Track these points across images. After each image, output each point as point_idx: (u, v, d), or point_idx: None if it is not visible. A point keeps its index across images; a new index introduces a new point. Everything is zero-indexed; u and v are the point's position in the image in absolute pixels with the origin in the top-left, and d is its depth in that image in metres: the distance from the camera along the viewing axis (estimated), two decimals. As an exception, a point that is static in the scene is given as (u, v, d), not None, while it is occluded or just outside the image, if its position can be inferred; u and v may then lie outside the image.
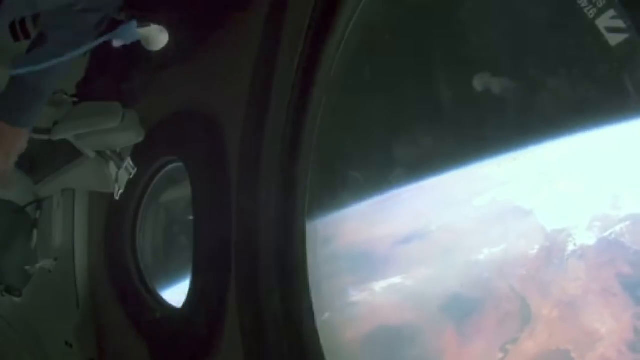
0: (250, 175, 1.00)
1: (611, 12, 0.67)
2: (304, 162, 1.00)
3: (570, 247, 0.83)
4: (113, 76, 1.35)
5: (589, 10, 0.68)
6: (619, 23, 0.66)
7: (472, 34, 0.87)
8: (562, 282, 0.85)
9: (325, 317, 1.01)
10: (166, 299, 1.48)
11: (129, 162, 1.18)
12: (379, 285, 0.99)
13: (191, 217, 1.31)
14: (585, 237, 0.82)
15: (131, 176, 1.21)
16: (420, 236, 0.96)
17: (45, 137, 1.13)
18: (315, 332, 1.00)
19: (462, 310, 0.92)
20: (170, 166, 1.47)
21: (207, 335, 1.23)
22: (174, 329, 1.35)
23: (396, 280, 0.98)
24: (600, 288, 0.81)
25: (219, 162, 1.15)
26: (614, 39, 0.67)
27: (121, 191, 1.21)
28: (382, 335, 0.98)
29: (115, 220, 1.56)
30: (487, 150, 0.85)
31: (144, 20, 0.98)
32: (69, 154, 1.19)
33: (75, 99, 1.20)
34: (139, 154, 1.24)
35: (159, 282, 1.53)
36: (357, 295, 1.00)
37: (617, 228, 0.78)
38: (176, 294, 1.41)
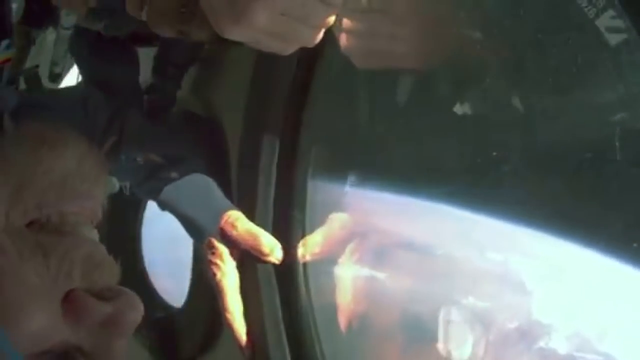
0: (250, 175, 1.00)
1: (611, 12, 0.64)
2: (303, 162, 1.00)
3: (542, 343, 0.83)
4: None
5: (589, 10, 0.65)
6: (619, 23, 0.64)
7: (472, 36, 0.82)
8: (516, 367, 0.86)
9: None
10: (166, 299, 1.50)
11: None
12: (361, 271, 1.00)
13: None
14: (559, 344, 0.82)
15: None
16: (422, 251, 0.96)
17: None
18: (316, 334, 1.02)
19: (416, 332, 0.94)
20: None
21: (207, 334, 1.25)
22: (174, 328, 1.37)
23: (379, 275, 0.99)
24: (544, 395, 0.82)
25: (219, 162, 1.13)
26: (614, 39, 0.65)
27: (119, 185, 1.16)
28: (335, 312, 1.00)
29: (115, 220, 1.52)
30: (524, 218, 0.84)
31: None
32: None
33: None
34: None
35: (159, 282, 1.54)
36: (335, 270, 1.02)
37: (589, 356, 0.78)
38: (176, 294, 1.41)
